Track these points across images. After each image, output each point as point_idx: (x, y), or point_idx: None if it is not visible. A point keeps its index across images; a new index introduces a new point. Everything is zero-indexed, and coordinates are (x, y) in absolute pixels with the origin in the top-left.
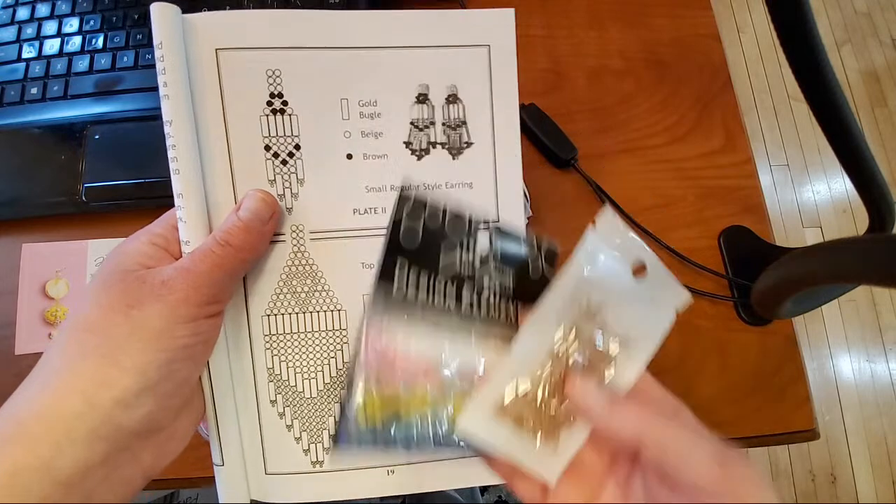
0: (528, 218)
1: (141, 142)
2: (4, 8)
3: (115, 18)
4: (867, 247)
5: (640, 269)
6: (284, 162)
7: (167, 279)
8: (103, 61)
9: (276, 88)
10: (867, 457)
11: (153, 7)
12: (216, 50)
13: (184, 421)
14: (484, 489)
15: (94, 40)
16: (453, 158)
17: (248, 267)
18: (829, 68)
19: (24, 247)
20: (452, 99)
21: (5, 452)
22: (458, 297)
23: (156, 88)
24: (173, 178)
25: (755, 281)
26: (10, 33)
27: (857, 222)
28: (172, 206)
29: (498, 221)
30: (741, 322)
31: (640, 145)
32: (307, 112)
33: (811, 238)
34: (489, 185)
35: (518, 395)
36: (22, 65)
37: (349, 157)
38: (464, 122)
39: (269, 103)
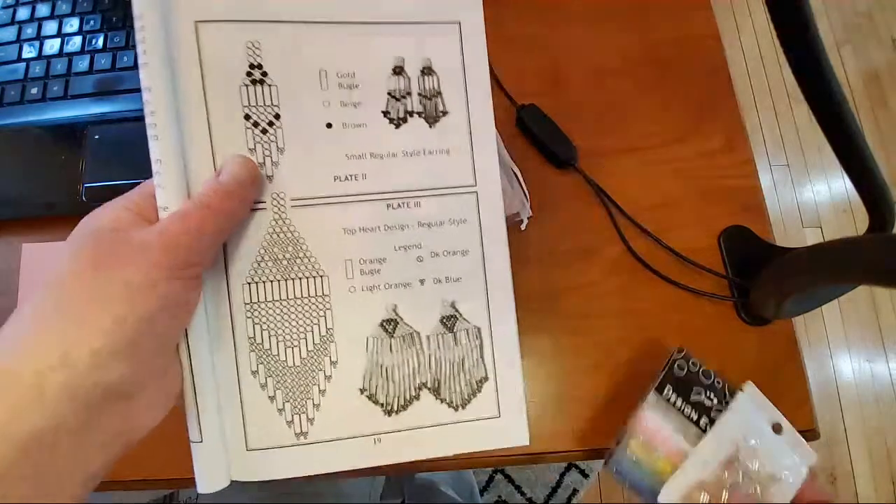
0: (528, 218)
1: (141, 142)
2: (4, 8)
3: (114, 18)
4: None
5: (777, 428)
6: (264, 131)
7: (142, 239)
8: (103, 61)
9: (255, 60)
10: (867, 457)
11: None
12: (195, 22)
13: (161, 389)
14: (484, 489)
15: (94, 40)
16: (430, 127)
17: (228, 232)
18: (829, 68)
19: (24, 247)
20: (427, 71)
21: None
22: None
23: None
24: (151, 144)
25: (755, 281)
26: (10, 33)
27: (857, 222)
28: None
29: (475, 185)
30: (741, 322)
31: (640, 145)
32: (287, 83)
33: (811, 238)
34: (466, 151)
35: (703, 480)
36: (22, 65)
37: (328, 126)
38: (439, 93)
39: (249, 74)
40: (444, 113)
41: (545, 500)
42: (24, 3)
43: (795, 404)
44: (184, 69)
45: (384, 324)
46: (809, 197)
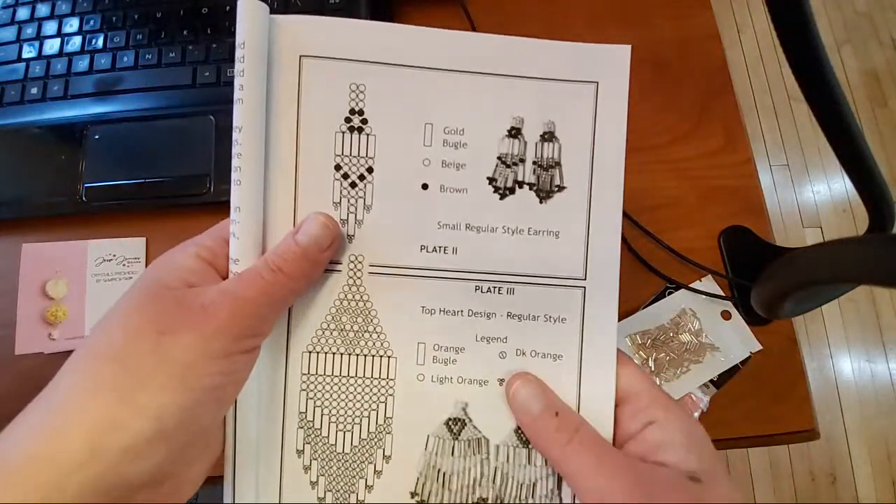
0: None
1: (141, 142)
2: (4, 8)
3: (115, 18)
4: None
5: (727, 315)
6: (354, 184)
7: (208, 303)
8: (103, 61)
9: (357, 104)
10: (867, 457)
11: (241, 2)
12: (300, 56)
13: (196, 468)
14: None
15: (94, 40)
16: (541, 202)
17: (296, 297)
18: (829, 68)
19: (24, 247)
20: (548, 136)
21: None
22: None
23: (155, 89)
24: (233, 189)
25: (755, 281)
26: (10, 33)
27: (857, 222)
28: (172, 206)
29: (584, 280)
30: (741, 322)
31: (640, 145)
32: (387, 133)
33: (811, 238)
34: (579, 238)
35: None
36: (22, 65)
37: (424, 187)
38: (558, 163)
39: (348, 119)
40: (560, 188)
41: None
42: (24, 3)
43: (795, 404)
44: (280, 108)
45: (450, 423)
46: (809, 197)
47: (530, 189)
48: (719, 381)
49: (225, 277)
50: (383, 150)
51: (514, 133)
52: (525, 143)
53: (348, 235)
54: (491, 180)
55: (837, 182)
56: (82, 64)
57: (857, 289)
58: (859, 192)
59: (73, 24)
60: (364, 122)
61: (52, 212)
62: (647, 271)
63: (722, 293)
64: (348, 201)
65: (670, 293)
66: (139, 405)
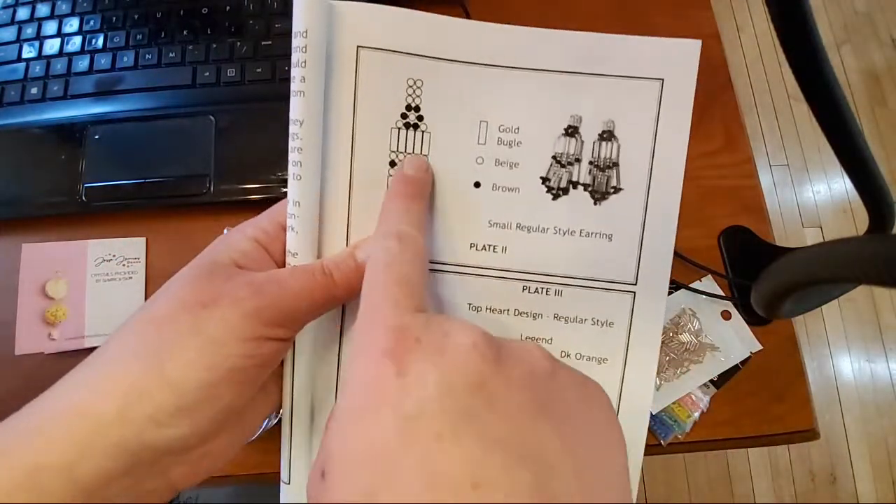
0: None
1: (141, 142)
2: (4, 8)
3: (114, 18)
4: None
5: (727, 315)
6: None
7: (255, 281)
8: (103, 61)
9: (413, 100)
10: (867, 457)
11: None
12: (358, 47)
13: (224, 441)
14: None
15: (94, 40)
16: (595, 203)
17: (338, 304)
18: (829, 68)
19: (24, 247)
20: (607, 136)
21: (29, 445)
22: None
23: (155, 88)
24: (292, 183)
25: (755, 281)
26: (10, 33)
27: (857, 222)
28: (172, 206)
29: (635, 284)
30: (741, 322)
31: None
32: (442, 131)
33: (811, 238)
34: (633, 241)
35: None
36: (22, 65)
37: (477, 185)
38: (615, 164)
39: (404, 115)
40: (617, 190)
41: None
42: (23, 3)
43: (795, 404)
44: (337, 101)
45: None
46: (809, 197)
47: (585, 190)
48: (719, 381)
49: (279, 263)
50: (437, 147)
51: (571, 132)
52: (582, 142)
53: None
54: (544, 180)
55: (837, 182)
56: (82, 64)
57: (857, 289)
58: (859, 192)
59: (73, 24)
60: (420, 118)
61: (52, 212)
62: None
63: (722, 293)
64: None
65: (670, 293)
66: (165, 377)
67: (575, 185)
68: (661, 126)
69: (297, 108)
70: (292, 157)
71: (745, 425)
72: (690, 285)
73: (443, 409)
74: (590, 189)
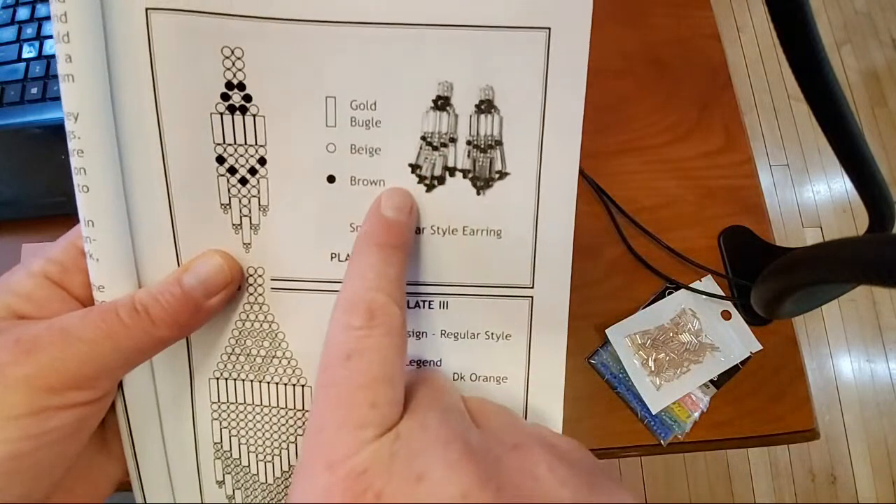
0: None
1: None
2: (4, 8)
3: None
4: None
5: (727, 315)
6: (244, 181)
7: (26, 337)
8: None
9: (234, 75)
10: (867, 457)
11: None
12: (147, 10)
13: (81, 493)
14: None
15: None
16: (478, 193)
17: (163, 347)
18: (829, 68)
19: (24, 247)
20: (485, 106)
21: None
22: None
23: None
24: (79, 197)
25: (755, 281)
26: (10, 33)
27: (857, 222)
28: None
29: (531, 287)
30: (741, 322)
31: (640, 145)
32: (278, 113)
33: (811, 238)
34: (526, 237)
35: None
36: (22, 65)
37: (331, 179)
38: (499, 142)
39: (225, 96)
40: (502, 175)
41: None
42: (24, 3)
43: (795, 404)
44: (129, 84)
45: None
46: (809, 197)
47: (464, 177)
48: (719, 381)
49: (84, 302)
50: (276, 134)
51: (442, 104)
52: (456, 116)
53: (244, 244)
54: (414, 168)
55: (837, 182)
56: None
57: (857, 289)
58: (859, 192)
59: None
60: (247, 98)
61: (52, 212)
62: (646, 271)
63: (722, 293)
64: (239, 202)
65: (670, 293)
66: None
67: (452, 171)
68: (550, 90)
69: (67, 97)
70: (73, 162)
71: (745, 425)
72: (690, 285)
73: None
74: (470, 175)
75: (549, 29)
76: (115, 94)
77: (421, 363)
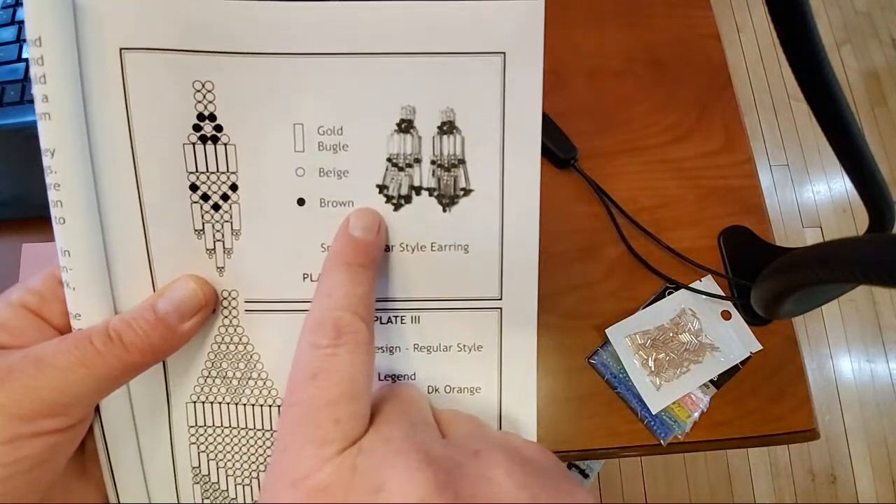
0: None
1: None
2: (4, 8)
3: None
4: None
5: (727, 315)
6: (217, 206)
7: (2, 367)
8: None
9: (206, 107)
10: (867, 457)
11: None
12: (121, 50)
13: None
14: None
15: None
16: (444, 210)
17: (138, 373)
18: (829, 68)
19: (24, 247)
20: (447, 128)
21: None
22: None
23: None
24: (56, 229)
25: (755, 281)
26: (10, 33)
27: (857, 222)
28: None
29: (500, 300)
30: (741, 322)
31: (640, 145)
32: (248, 141)
33: (811, 238)
34: (492, 249)
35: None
36: (22, 65)
37: (301, 202)
38: (462, 161)
39: (197, 127)
40: (467, 192)
41: None
42: (24, 3)
43: (795, 404)
44: (104, 121)
45: None
46: (809, 197)
47: (430, 195)
48: (719, 381)
49: (63, 331)
50: (247, 161)
51: (405, 127)
52: (419, 138)
53: (218, 268)
54: (381, 188)
55: (837, 182)
56: None
57: (857, 289)
58: (859, 192)
59: None
60: (218, 128)
61: None
62: (646, 271)
63: (722, 293)
64: (213, 227)
65: (670, 293)
66: None
67: (418, 190)
68: (508, 110)
69: (44, 134)
70: (51, 195)
71: (745, 425)
72: (690, 285)
73: None
74: (436, 194)
75: (504, 53)
76: (91, 129)
77: (395, 377)
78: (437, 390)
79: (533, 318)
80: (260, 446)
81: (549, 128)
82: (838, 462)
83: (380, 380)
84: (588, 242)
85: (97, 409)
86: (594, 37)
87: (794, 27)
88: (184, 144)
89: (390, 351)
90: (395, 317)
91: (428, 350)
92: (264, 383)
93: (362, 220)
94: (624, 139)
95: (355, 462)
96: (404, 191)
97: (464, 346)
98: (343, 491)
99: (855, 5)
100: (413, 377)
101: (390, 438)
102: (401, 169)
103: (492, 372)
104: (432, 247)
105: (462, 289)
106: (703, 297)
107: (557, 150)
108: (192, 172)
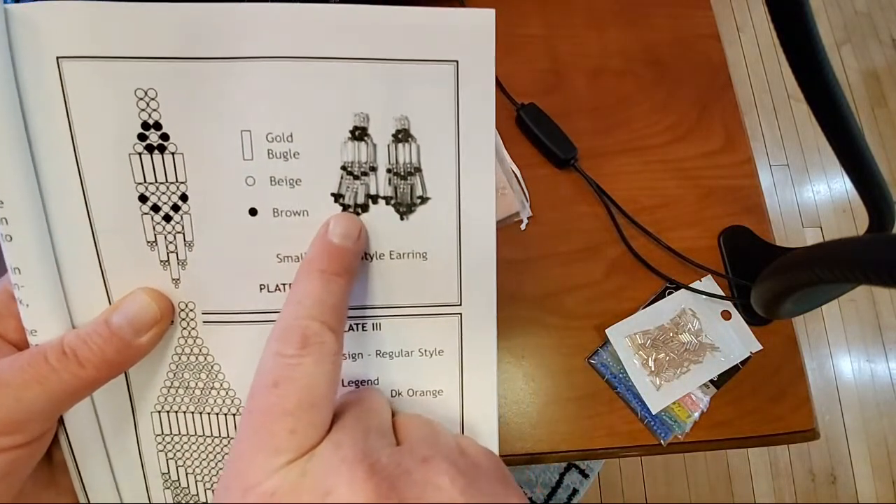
0: (528, 218)
1: None
2: None
3: None
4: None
5: (727, 315)
6: (168, 217)
7: None
8: None
9: (150, 115)
10: (867, 457)
11: None
12: (58, 59)
13: None
14: None
15: None
16: (402, 218)
17: (93, 389)
18: (829, 68)
19: None
20: (402, 136)
21: None
22: None
23: None
24: (4, 247)
25: (755, 281)
26: None
27: (857, 222)
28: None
29: (459, 304)
30: (741, 322)
31: (640, 145)
32: (196, 149)
33: (811, 238)
34: (451, 256)
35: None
36: None
37: (253, 212)
38: (418, 169)
39: (142, 136)
40: (424, 199)
41: (545, 500)
42: None
43: (795, 404)
44: (44, 132)
45: None
46: (809, 197)
47: (387, 203)
48: (719, 381)
49: (19, 346)
50: (196, 170)
51: (359, 134)
52: (374, 146)
53: (173, 280)
54: (337, 197)
55: (837, 182)
56: None
57: (857, 289)
58: (859, 192)
59: None
60: (164, 137)
61: None
62: (646, 271)
63: (722, 293)
64: (165, 238)
65: (670, 293)
66: None
67: (375, 199)
68: (462, 117)
69: None
70: None
71: (745, 425)
72: (690, 285)
73: None
74: (393, 202)
75: (457, 62)
76: (34, 142)
77: (359, 383)
78: (399, 394)
79: (492, 322)
80: (225, 454)
81: (550, 128)
82: (838, 462)
83: (343, 385)
84: (588, 242)
85: (61, 421)
86: (594, 37)
87: (794, 27)
88: (129, 155)
89: (353, 357)
90: (357, 324)
91: (390, 356)
92: (227, 393)
93: (342, 226)
94: (624, 139)
95: (306, 468)
96: (361, 199)
97: (425, 350)
98: (291, 496)
99: (855, 5)
100: (377, 382)
101: (340, 445)
102: (356, 177)
103: (453, 375)
104: (391, 255)
105: (422, 295)
106: (703, 297)
107: (557, 150)
108: (140, 183)
